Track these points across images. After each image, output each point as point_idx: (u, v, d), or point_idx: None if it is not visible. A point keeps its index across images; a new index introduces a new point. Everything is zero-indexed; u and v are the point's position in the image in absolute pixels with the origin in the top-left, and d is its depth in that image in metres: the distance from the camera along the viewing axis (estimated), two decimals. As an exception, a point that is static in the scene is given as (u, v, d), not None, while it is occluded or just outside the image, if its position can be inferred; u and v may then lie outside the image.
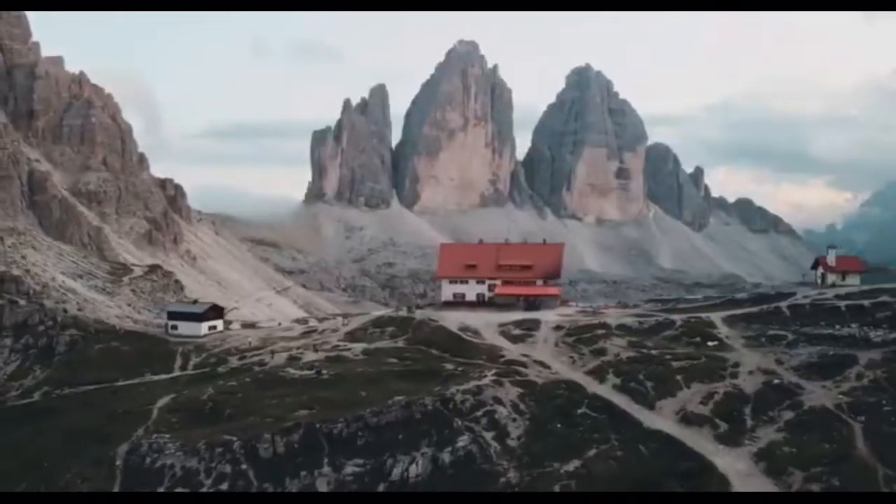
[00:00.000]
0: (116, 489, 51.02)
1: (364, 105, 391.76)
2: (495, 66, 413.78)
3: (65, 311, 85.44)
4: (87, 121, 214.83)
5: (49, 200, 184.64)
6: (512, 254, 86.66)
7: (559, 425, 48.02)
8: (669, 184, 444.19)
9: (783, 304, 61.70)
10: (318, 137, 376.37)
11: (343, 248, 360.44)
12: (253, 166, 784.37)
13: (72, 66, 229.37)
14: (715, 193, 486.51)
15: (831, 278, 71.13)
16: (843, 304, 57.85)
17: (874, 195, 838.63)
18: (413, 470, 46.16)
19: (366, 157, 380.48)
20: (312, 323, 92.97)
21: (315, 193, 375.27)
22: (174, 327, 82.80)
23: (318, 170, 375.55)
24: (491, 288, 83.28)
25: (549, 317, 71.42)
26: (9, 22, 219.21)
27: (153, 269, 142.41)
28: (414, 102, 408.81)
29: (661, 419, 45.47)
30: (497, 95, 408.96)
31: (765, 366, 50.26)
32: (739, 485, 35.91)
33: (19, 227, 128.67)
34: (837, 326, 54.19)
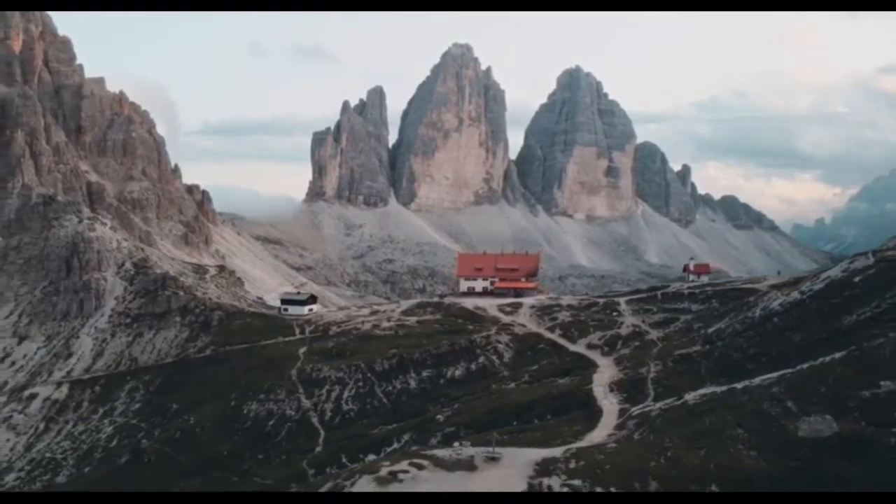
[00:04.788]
0: (301, 390, 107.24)
1: (362, 106, 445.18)
2: (489, 68, 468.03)
3: (210, 298, 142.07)
4: (128, 135, 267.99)
5: (107, 209, 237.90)
6: (505, 261, 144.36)
7: (529, 353, 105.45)
8: (657, 181, 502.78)
9: (659, 293, 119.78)
10: (318, 138, 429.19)
11: (343, 244, 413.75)
12: (252, 165, 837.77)
13: (91, 73, 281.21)
14: (705, 189, 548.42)
15: (691, 277, 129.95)
16: (687, 291, 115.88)
17: (863, 190, 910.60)
18: (457, 374, 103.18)
19: (364, 157, 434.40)
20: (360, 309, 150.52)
21: (315, 192, 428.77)
22: (285, 309, 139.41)
23: (318, 169, 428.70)
24: (492, 283, 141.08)
25: (528, 301, 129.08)
26: (56, 47, 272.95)
27: (221, 268, 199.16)
28: (410, 103, 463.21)
29: (578, 347, 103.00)
30: (491, 96, 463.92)
31: (635, 323, 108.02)
32: (603, 367, 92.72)
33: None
34: (679, 303, 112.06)
